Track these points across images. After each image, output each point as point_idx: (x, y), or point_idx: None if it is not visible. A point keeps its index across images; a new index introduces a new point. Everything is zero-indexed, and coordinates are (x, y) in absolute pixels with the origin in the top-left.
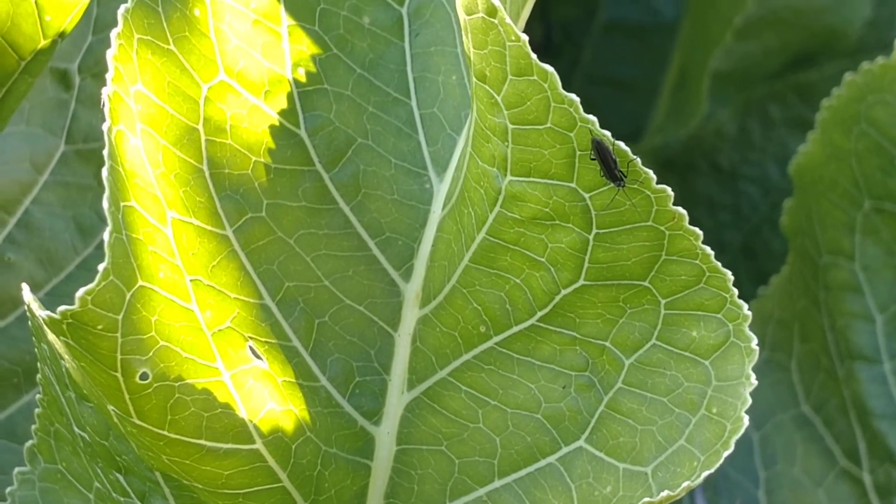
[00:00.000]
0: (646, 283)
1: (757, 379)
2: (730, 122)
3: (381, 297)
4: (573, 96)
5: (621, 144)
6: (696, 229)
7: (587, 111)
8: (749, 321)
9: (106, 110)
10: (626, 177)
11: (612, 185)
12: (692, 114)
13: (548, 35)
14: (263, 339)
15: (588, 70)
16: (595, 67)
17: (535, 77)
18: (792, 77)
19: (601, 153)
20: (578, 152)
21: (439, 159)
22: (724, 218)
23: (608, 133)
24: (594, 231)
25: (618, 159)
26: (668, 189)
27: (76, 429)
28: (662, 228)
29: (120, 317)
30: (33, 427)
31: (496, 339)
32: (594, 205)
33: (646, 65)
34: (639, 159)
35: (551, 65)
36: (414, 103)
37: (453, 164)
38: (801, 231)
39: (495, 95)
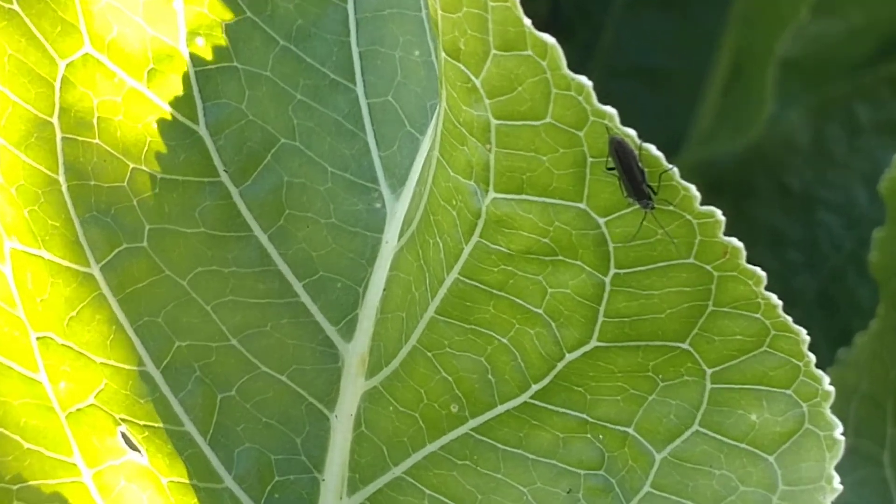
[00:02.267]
0: (685, 346)
1: (840, 477)
2: (802, 128)
3: (312, 363)
4: (583, 79)
5: (651, 148)
6: (758, 270)
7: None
8: (831, 400)
9: None
10: (657, 194)
11: (637, 205)
12: (751, 117)
13: (556, 9)
14: (143, 423)
15: (609, 57)
16: (619, 53)
17: (530, 51)
18: (885, 67)
19: (623, 161)
20: (590, 159)
21: (395, 168)
22: (793, 257)
23: (633, 132)
24: (612, 271)
25: (646, 170)
26: (718, 213)
27: None
28: (709, 268)
29: None
30: None
31: (473, 422)
32: (612, 234)
33: (687, 50)
34: (676, 170)
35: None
36: (360, 89)
37: (414, 176)
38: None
39: (472, 78)
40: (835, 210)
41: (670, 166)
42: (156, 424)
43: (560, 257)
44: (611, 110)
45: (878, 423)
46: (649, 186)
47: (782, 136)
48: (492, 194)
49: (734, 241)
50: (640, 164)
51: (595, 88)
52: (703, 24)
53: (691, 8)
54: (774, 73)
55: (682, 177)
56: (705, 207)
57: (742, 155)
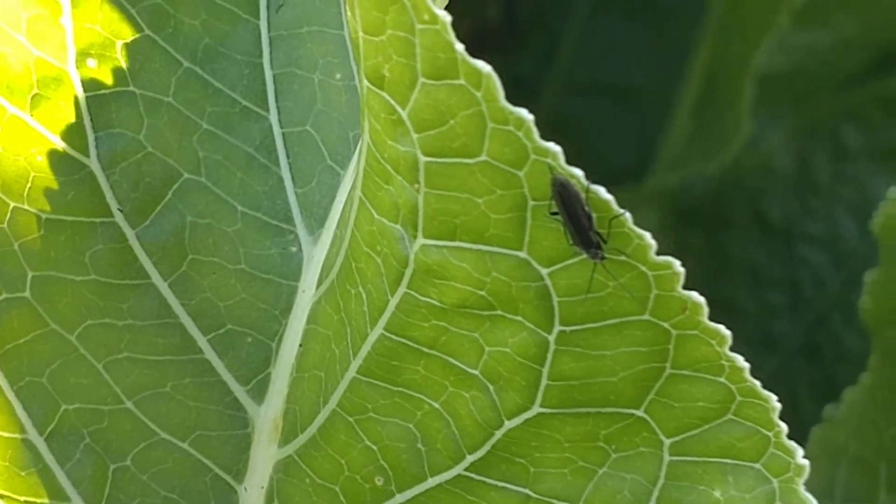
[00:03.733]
0: (641, 413)
1: None
2: (784, 152)
3: (218, 428)
4: (523, 112)
5: (600, 190)
6: (721, 328)
7: (564, 133)
8: (805, 475)
9: None
10: (606, 243)
11: (585, 255)
12: (726, 138)
13: (509, 14)
14: (23, 498)
15: (569, 70)
16: (579, 66)
17: (462, 80)
18: (878, 84)
19: (568, 205)
20: (531, 202)
21: (313, 207)
22: (773, 298)
23: (579, 172)
24: (557, 329)
25: (595, 215)
26: (676, 264)
27: None
28: (667, 326)
29: None
30: None
31: (400, 497)
32: (557, 287)
33: (656, 62)
34: (628, 215)
35: (514, 60)
36: (274, 117)
37: (335, 216)
38: (891, 320)
39: (398, 109)
40: (820, 245)
41: (622, 211)
42: (38, 500)
43: (498, 312)
44: (554, 147)
45: (869, 488)
46: (598, 234)
47: (761, 161)
48: (421, 240)
49: (694, 295)
50: (587, 209)
51: (551, 106)
52: (675, 34)
53: (661, 16)
54: (752, 88)
55: (651, 205)
56: (661, 258)
57: (716, 181)
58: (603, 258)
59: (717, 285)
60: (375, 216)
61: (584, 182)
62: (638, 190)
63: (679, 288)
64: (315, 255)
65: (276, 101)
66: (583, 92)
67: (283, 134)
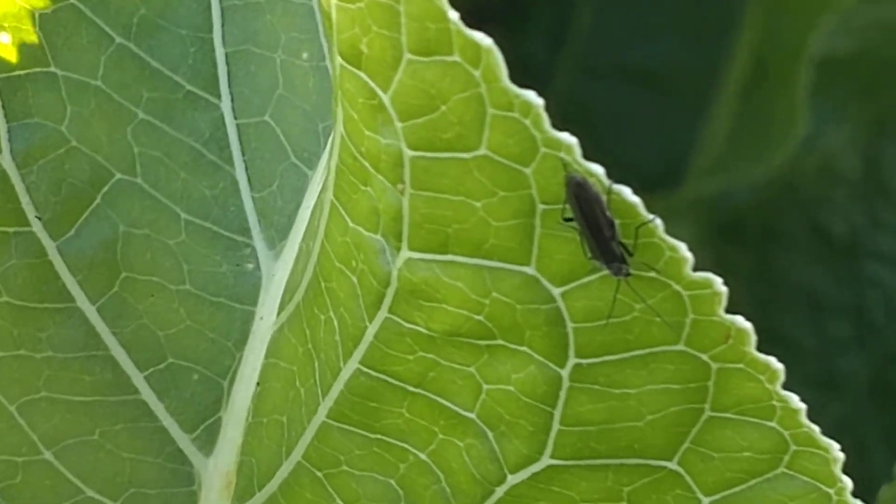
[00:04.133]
0: (673, 465)
1: None
2: (849, 153)
3: (158, 485)
4: (530, 96)
5: (625, 192)
6: (771, 361)
7: (579, 127)
8: None
9: None
10: (633, 255)
11: (606, 271)
12: (778, 136)
13: None
14: None
15: (585, 52)
16: (598, 47)
17: (457, 57)
18: None
19: (586, 209)
20: (541, 206)
21: (274, 215)
22: (836, 329)
23: (600, 169)
24: (572, 361)
25: (618, 221)
26: (717, 281)
27: None
28: (705, 358)
29: None
30: None
31: None
32: (572, 310)
33: (692, 44)
34: (658, 221)
35: (519, 38)
36: (227, 105)
37: (300, 226)
38: None
39: (379, 92)
40: (892, 265)
41: (651, 216)
42: None
43: (500, 342)
44: (569, 139)
45: None
46: (622, 245)
47: (821, 162)
48: (406, 253)
49: (739, 320)
50: (608, 214)
51: (563, 94)
52: (714, 8)
53: None
54: (809, 74)
55: (686, 216)
56: (699, 274)
57: (765, 188)
58: (628, 274)
59: (767, 313)
60: (350, 224)
61: (606, 181)
62: (670, 198)
63: (721, 311)
64: (276, 273)
65: (229, 85)
66: (602, 77)
67: (238, 125)
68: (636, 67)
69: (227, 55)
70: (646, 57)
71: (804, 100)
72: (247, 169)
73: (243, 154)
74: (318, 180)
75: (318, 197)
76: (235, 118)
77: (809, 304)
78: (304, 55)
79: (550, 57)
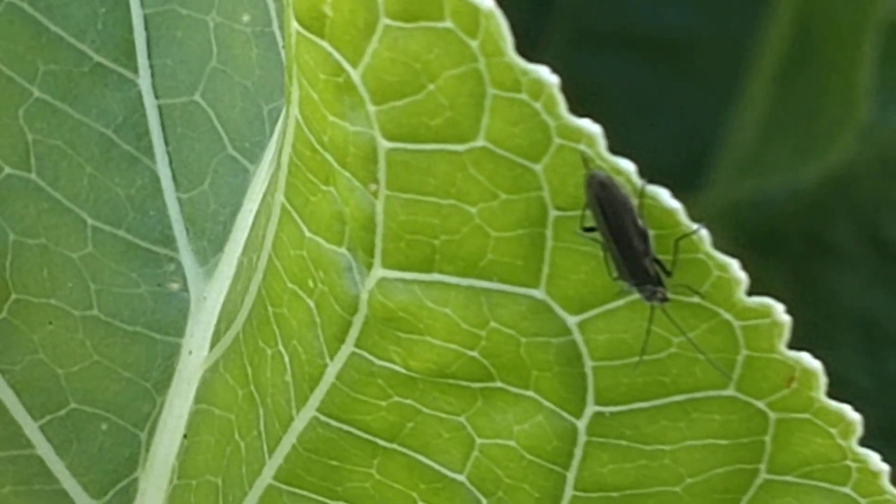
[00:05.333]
0: None
1: None
2: None
3: None
4: (542, 72)
5: (661, 194)
6: (845, 410)
7: (575, 111)
8: None
9: None
10: (670, 275)
11: (636, 293)
12: (832, 125)
13: None
14: None
15: (585, 16)
16: (601, 10)
17: (449, 22)
18: None
19: (611, 216)
20: (554, 213)
21: (206, 221)
22: None
23: (629, 165)
24: (591, 409)
25: (651, 232)
26: (778, 309)
27: None
28: (761, 406)
29: None
30: None
31: None
32: (592, 345)
33: (717, 8)
34: (704, 233)
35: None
36: (145, 81)
37: (239, 236)
38: None
39: (346, 67)
40: None
41: (695, 226)
42: None
43: (499, 384)
44: (591, 128)
45: None
46: (657, 261)
47: (883, 158)
48: (379, 271)
49: (805, 358)
50: (641, 223)
51: (554, 67)
52: None
53: None
54: (876, 46)
55: (712, 225)
56: (756, 300)
57: (812, 190)
58: (665, 299)
59: (812, 345)
60: (307, 234)
61: (637, 181)
62: (691, 203)
63: (782, 347)
64: (208, 295)
65: (149, 56)
66: (602, 47)
67: (160, 107)
68: (646, 36)
69: (145, 17)
70: (659, 23)
71: (867, 78)
72: (171, 163)
73: (166, 144)
74: (264, 178)
75: (264, 199)
76: (157, 98)
77: (865, 335)
78: (245, 18)
79: (537, 23)
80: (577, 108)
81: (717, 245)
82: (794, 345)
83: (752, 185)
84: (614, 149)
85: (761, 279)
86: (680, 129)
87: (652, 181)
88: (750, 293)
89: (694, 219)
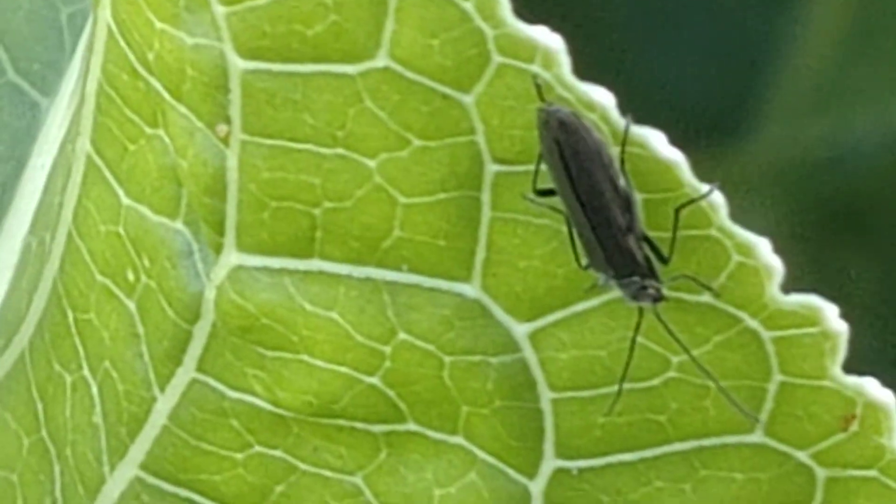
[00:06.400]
0: None
1: None
2: None
3: None
4: None
5: (652, 140)
6: None
7: (582, 39)
8: None
9: None
10: (667, 262)
11: (616, 289)
12: None
13: None
14: None
15: None
16: None
17: None
18: None
19: (579, 172)
20: (493, 166)
21: None
22: None
23: (605, 96)
24: (550, 465)
25: (637, 196)
26: (827, 314)
27: None
28: (803, 458)
29: None
30: None
31: None
32: (549, 367)
33: None
34: (719, 198)
35: None
36: None
37: (24, 205)
38: None
39: None
40: None
41: (705, 187)
42: None
43: (412, 427)
44: (549, 40)
45: None
46: (648, 241)
47: None
48: (232, 256)
49: (871, 387)
50: (621, 183)
51: None
52: None
53: None
54: None
55: (760, 187)
56: (796, 300)
57: (892, 145)
58: (658, 299)
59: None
60: (125, 201)
61: (616, 118)
62: (732, 157)
63: (836, 369)
64: None
65: None
66: None
67: None
68: None
69: None
70: None
71: None
72: None
73: None
74: (63, 117)
75: (62, 149)
76: None
77: None
78: None
79: None
80: (584, 34)
81: (767, 214)
82: (874, 344)
83: (814, 138)
84: (627, 87)
85: (829, 261)
86: (716, 60)
87: (670, 127)
88: (813, 288)
89: (736, 179)
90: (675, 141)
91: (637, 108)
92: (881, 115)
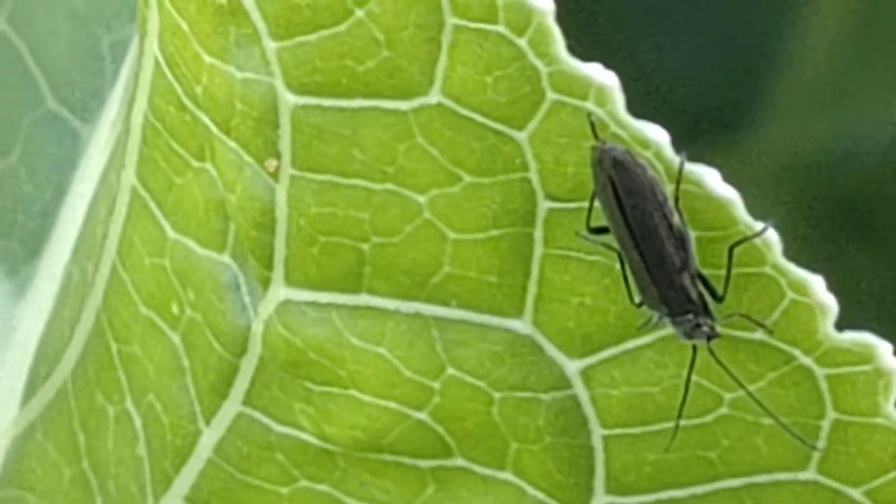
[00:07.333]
0: None
1: None
2: None
3: None
4: None
5: (708, 178)
6: None
7: (585, 34)
8: None
9: None
10: (721, 300)
11: (671, 327)
12: None
13: None
14: None
15: None
16: None
17: None
18: None
19: (633, 209)
20: (546, 203)
21: (14, 209)
22: None
23: (659, 134)
24: (601, 501)
25: (692, 233)
26: (881, 351)
27: None
28: (856, 496)
29: None
30: None
31: None
32: (601, 403)
33: None
34: (773, 235)
35: None
36: None
37: (65, 233)
38: None
39: None
40: None
41: (761, 225)
42: None
43: (460, 462)
44: (604, 77)
45: None
46: (702, 279)
47: None
48: (280, 291)
49: None
50: (676, 221)
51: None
52: None
53: None
54: None
55: (764, 185)
56: (850, 338)
57: None
58: (712, 336)
59: None
60: (171, 235)
61: (673, 157)
62: (734, 152)
63: (889, 407)
64: (19, 323)
65: None
66: None
67: None
68: None
69: None
70: None
71: None
72: None
73: None
74: (104, 146)
75: (105, 179)
76: None
77: None
78: None
79: None
80: (584, 28)
81: (773, 210)
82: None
83: (823, 134)
84: (628, 83)
85: (842, 264)
86: (720, 52)
87: (671, 125)
88: (842, 323)
89: (739, 176)
90: (678, 137)
91: (640, 104)
92: (887, 111)
